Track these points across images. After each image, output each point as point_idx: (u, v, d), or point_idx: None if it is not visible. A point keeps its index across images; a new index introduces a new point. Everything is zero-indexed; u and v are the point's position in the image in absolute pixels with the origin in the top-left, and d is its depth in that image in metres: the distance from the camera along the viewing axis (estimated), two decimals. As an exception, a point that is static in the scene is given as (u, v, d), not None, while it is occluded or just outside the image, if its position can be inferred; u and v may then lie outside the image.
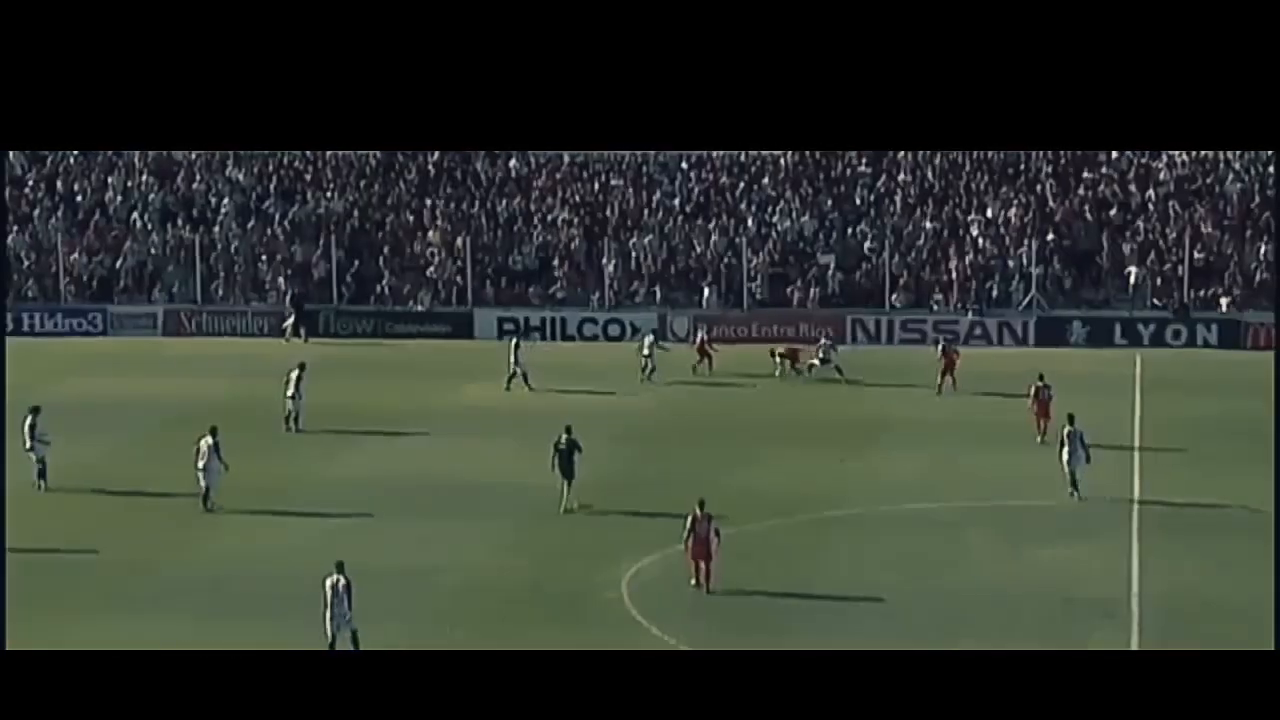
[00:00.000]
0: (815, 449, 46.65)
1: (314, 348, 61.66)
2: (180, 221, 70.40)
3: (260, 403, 50.78)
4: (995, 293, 64.11)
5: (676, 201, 69.44)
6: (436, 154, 71.78)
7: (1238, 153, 66.66)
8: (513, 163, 71.66)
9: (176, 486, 42.49)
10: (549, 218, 69.05)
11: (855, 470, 44.61)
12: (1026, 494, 41.66)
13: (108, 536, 39.52)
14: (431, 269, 67.11)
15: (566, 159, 71.41)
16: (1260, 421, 45.88)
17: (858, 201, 68.59)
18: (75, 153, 72.87)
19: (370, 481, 43.84)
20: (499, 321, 63.39)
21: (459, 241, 67.28)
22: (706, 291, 65.32)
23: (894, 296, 64.33)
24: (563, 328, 64.68)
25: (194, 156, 72.97)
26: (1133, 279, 63.34)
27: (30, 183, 73.04)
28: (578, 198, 69.91)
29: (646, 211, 68.95)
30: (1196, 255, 63.65)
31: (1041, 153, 68.01)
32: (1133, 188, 67.61)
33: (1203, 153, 67.07)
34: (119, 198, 71.93)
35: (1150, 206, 66.70)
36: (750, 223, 67.78)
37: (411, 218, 69.48)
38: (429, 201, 70.07)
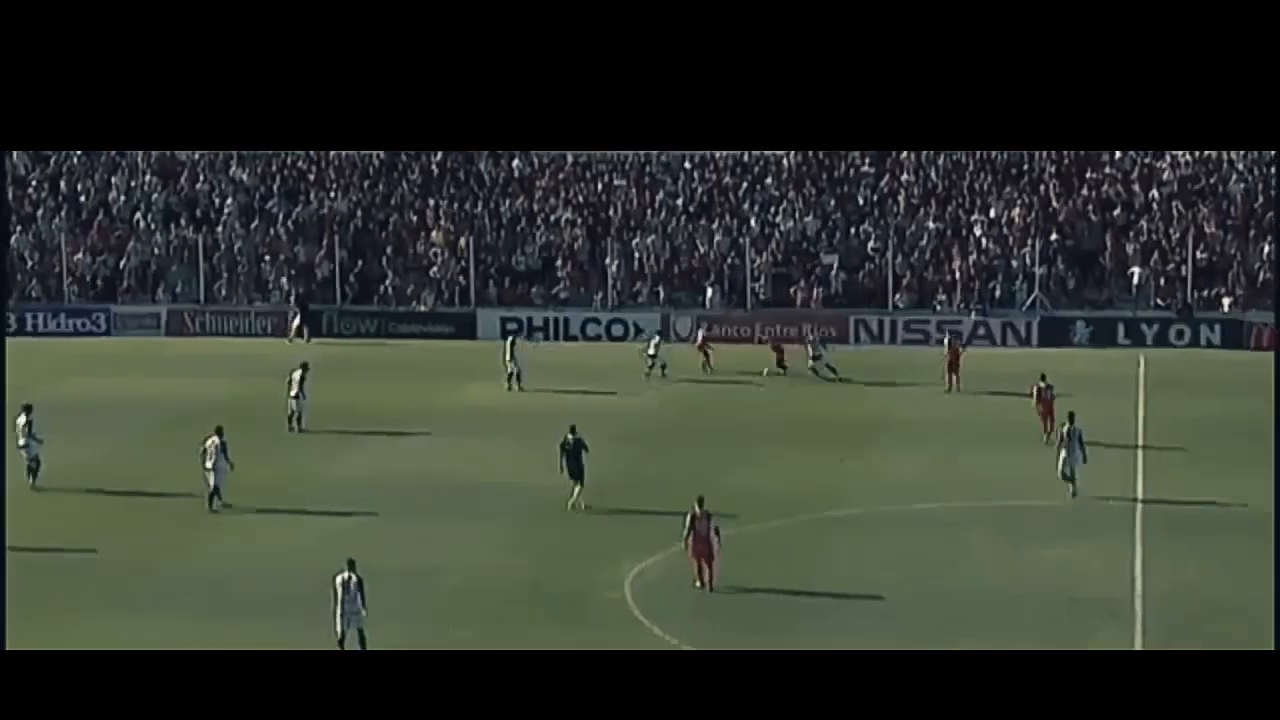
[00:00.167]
0: (817, 449, 46.62)
1: (317, 348, 61.68)
2: (183, 221, 70.47)
3: (263, 403, 50.79)
4: (998, 293, 64.11)
5: (680, 201, 69.44)
6: (440, 154, 71.78)
7: (1241, 153, 66.61)
8: (516, 163, 71.67)
9: (177, 486, 42.51)
10: (552, 218, 69.06)
11: (857, 470, 44.60)
12: (1029, 494, 41.64)
13: (107, 536, 39.52)
14: (434, 269, 67.12)
15: (570, 159, 71.42)
16: (1264, 422, 45.82)
17: (861, 201, 68.58)
18: (79, 153, 72.90)
19: (373, 481, 43.84)
20: (502, 322, 63.38)
21: (462, 242, 67.29)
22: (709, 291, 65.32)
23: (897, 297, 64.33)
24: (566, 328, 64.71)
25: (197, 156, 73.01)
26: (1136, 279, 63.33)
27: (34, 183, 73.09)
28: (581, 198, 69.92)
29: (650, 211, 68.95)
30: (1200, 255, 63.63)
31: (1045, 153, 67.98)
32: (1136, 188, 67.59)
33: (1206, 153, 67.02)
34: (122, 198, 71.98)
35: (1154, 206, 66.67)
36: (753, 223, 67.79)
37: (415, 218, 69.48)
38: (432, 201, 70.08)
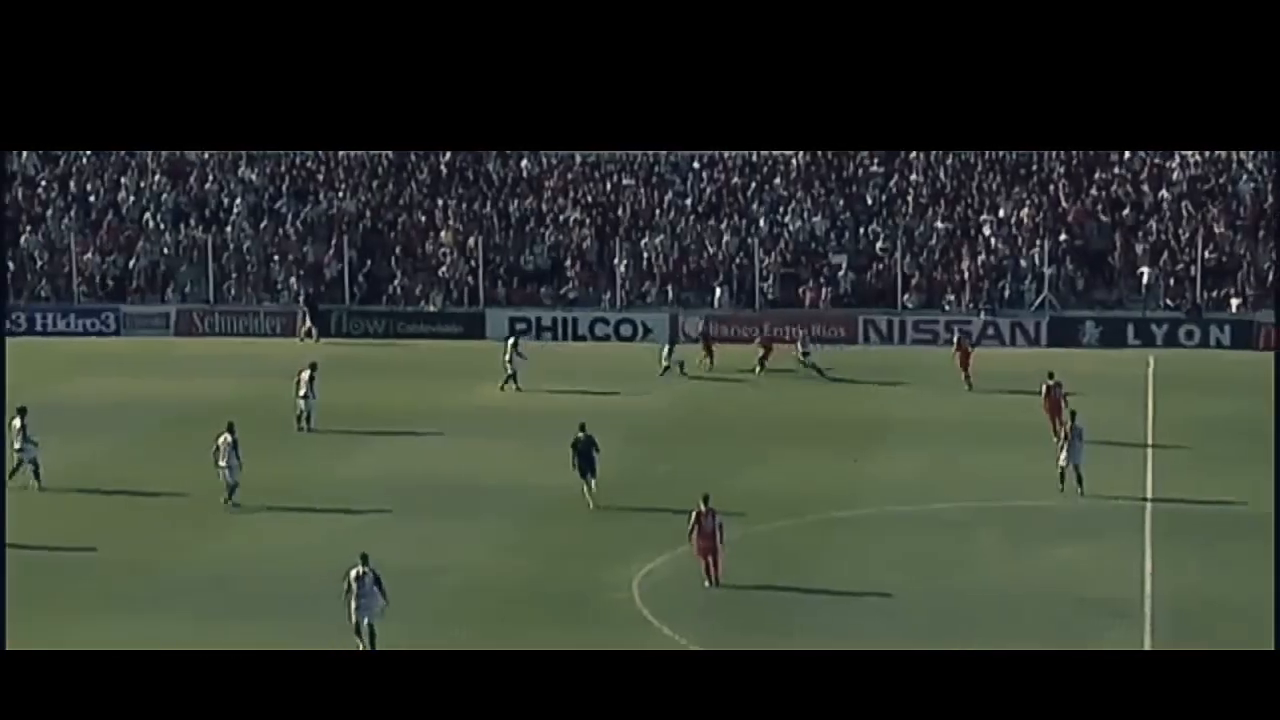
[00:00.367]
0: (825, 449, 46.59)
1: (326, 348, 61.71)
2: (193, 221, 70.53)
3: (272, 402, 50.79)
4: (1007, 293, 64.05)
5: (688, 201, 69.43)
6: (448, 154, 71.80)
7: (1251, 153, 66.51)
8: (525, 163, 71.68)
9: (182, 486, 42.57)
10: (561, 218, 69.07)
11: (865, 470, 44.56)
12: (1037, 494, 41.58)
13: (108, 536, 39.50)
14: (443, 269, 67.15)
15: (578, 159, 71.43)
16: (1270, 422, 45.72)
17: (869, 201, 68.54)
18: (88, 153, 72.96)
19: (381, 481, 43.84)
20: (511, 322, 63.28)
21: (471, 241, 67.31)
22: (718, 291, 65.31)
23: (906, 297, 64.27)
24: (574, 328, 64.70)
25: (206, 157, 73.08)
26: (1145, 279, 63.25)
27: (43, 183, 73.17)
28: (589, 198, 69.92)
29: (658, 211, 68.95)
30: (1209, 256, 63.55)
31: (1054, 153, 67.91)
32: (1145, 188, 67.50)
33: (1216, 153, 66.93)
34: (132, 198, 72.05)
35: (1163, 207, 66.58)
36: (762, 223, 67.75)
37: (423, 218, 69.51)
38: (441, 201, 70.10)
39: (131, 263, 69.03)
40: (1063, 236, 65.22)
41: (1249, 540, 37.58)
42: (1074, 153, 67.64)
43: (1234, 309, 62.27)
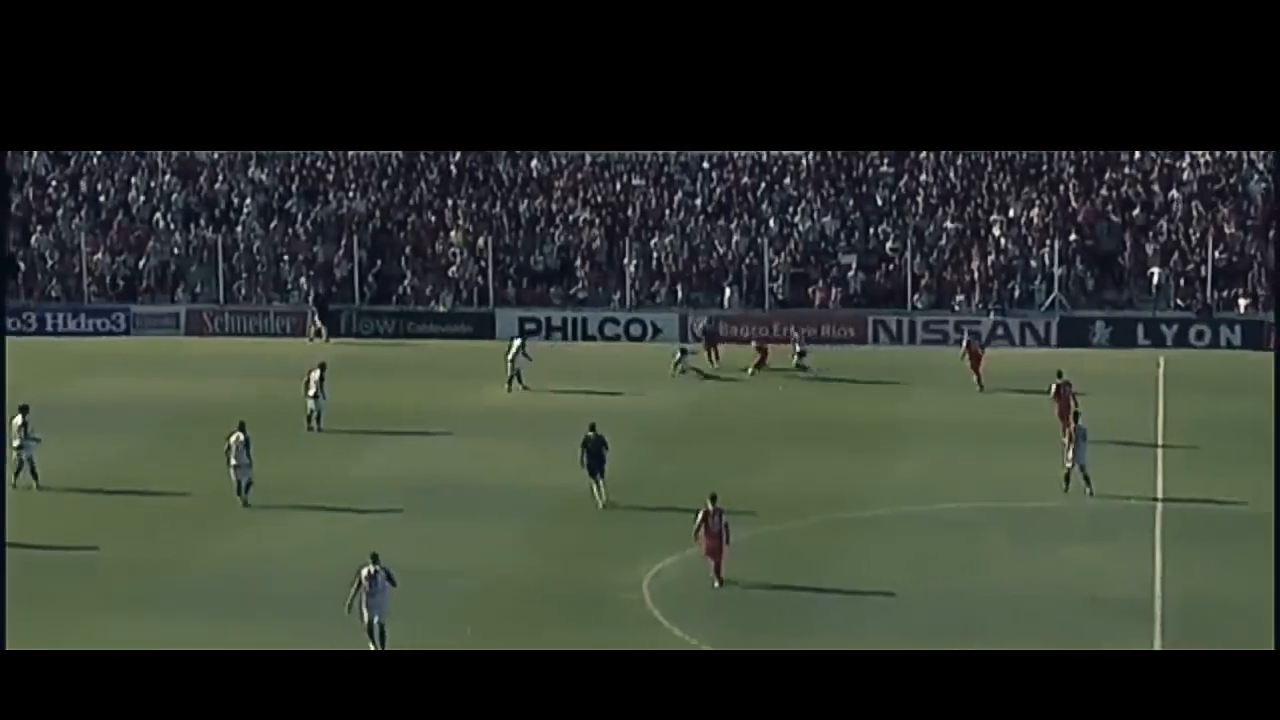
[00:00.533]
0: (834, 449, 46.57)
1: (335, 348, 61.77)
2: (203, 221, 70.59)
3: (282, 402, 50.81)
4: (1017, 293, 64.01)
5: (698, 201, 69.42)
6: (458, 154, 71.82)
7: (1261, 153, 66.39)
8: (534, 163, 71.69)
9: (188, 486, 42.61)
10: (570, 218, 69.08)
11: (874, 470, 44.52)
12: (1047, 494, 41.54)
13: (111, 536, 39.51)
14: (453, 269, 67.17)
15: (588, 159, 71.42)
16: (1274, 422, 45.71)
17: (879, 201, 68.51)
18: (99, 153, 73.04)
19: (390, 481, 43.86)
20: (520, 322, 63.27)
21: (480, 242, 67.34)
22: (728, 292, 65.30)
23: (916, 297, 64.24)
24: (584, 328, 64.71)
25: (216, 157, 73.12)
26: (1155, 279, 63.19)
27: (54, 183, 73.24)
28: (599, 198, 69.92)
29: (668, 212, 68.94)
30: (1219, 256, 63.47)
31: (1064, 153, 67.83)
32: (1155, 188, 67.42)
33: (1226, 153, 66.84)
34: (142, 198, 72.11)
35: (1173, 207, 66.50)
36: (772, 223, 67.73)
37: (433, 218, 69.53)
38: (450, 202, 70.12)
39: (142, 263, 69.11)
40: (1073, 237, 65.16)
41: (1259, 540, 37.45)
42: (1084, 153, 67.54)
43: (1244, 309, 62.19)
